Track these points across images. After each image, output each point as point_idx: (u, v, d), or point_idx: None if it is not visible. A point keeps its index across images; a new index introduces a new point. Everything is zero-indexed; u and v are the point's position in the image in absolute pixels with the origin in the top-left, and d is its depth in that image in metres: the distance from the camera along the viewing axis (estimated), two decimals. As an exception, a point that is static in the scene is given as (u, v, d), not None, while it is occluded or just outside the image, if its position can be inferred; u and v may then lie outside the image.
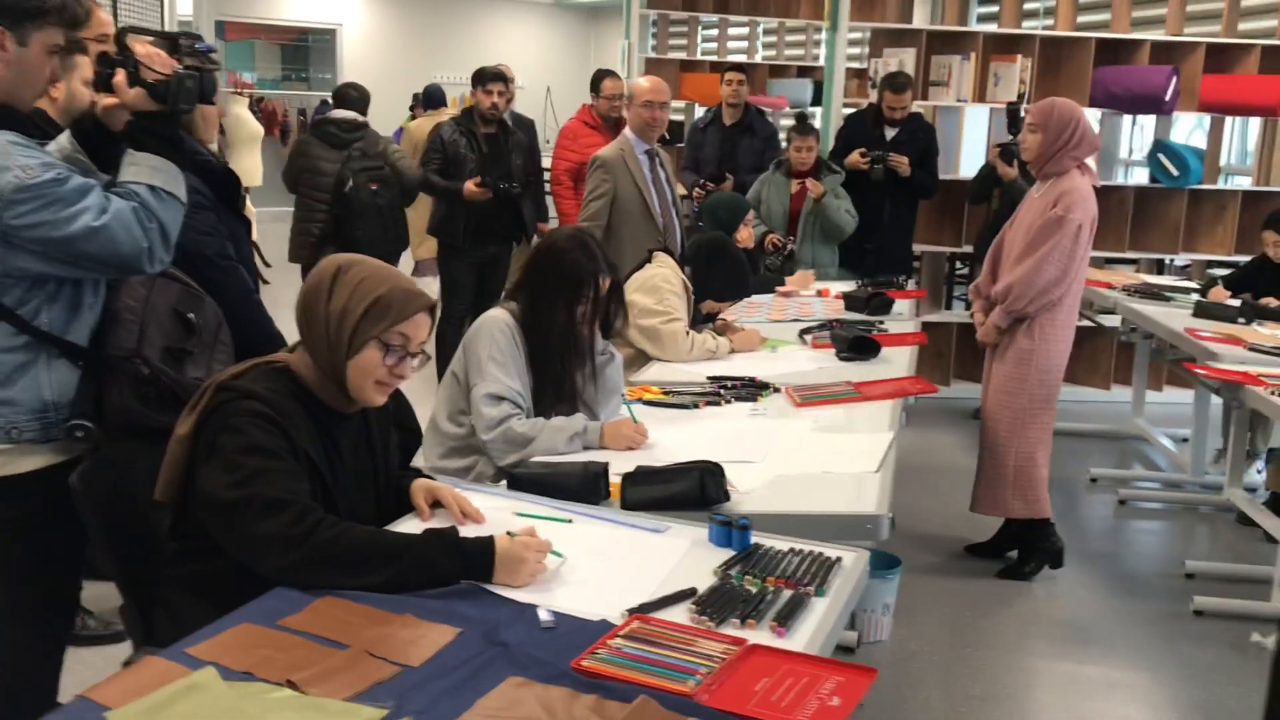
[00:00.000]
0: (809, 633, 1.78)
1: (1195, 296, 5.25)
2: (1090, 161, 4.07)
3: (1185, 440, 5.74)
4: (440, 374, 3.14)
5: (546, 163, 6.78)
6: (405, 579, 1.84)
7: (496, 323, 2.78)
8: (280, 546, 1.83)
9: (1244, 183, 7.05)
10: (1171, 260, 7.02)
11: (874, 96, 6.53)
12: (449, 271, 5.87)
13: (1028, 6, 7.02)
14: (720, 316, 4.11)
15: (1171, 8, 6.56)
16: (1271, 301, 4.85)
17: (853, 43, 7.24)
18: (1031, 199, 4.07)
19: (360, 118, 5.49)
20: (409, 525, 2.11)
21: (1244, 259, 6.32)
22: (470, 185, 5.48)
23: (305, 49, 15.05)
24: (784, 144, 6.20)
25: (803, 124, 5.96)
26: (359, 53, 14.45)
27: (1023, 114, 5.86)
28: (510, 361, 2.73)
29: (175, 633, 1.73)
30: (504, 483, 2.42)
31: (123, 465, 2.17)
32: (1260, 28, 7.00)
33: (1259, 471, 5.12)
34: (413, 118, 9.95)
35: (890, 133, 5.96)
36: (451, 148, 5.65)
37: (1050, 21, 7.29)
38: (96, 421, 2.17)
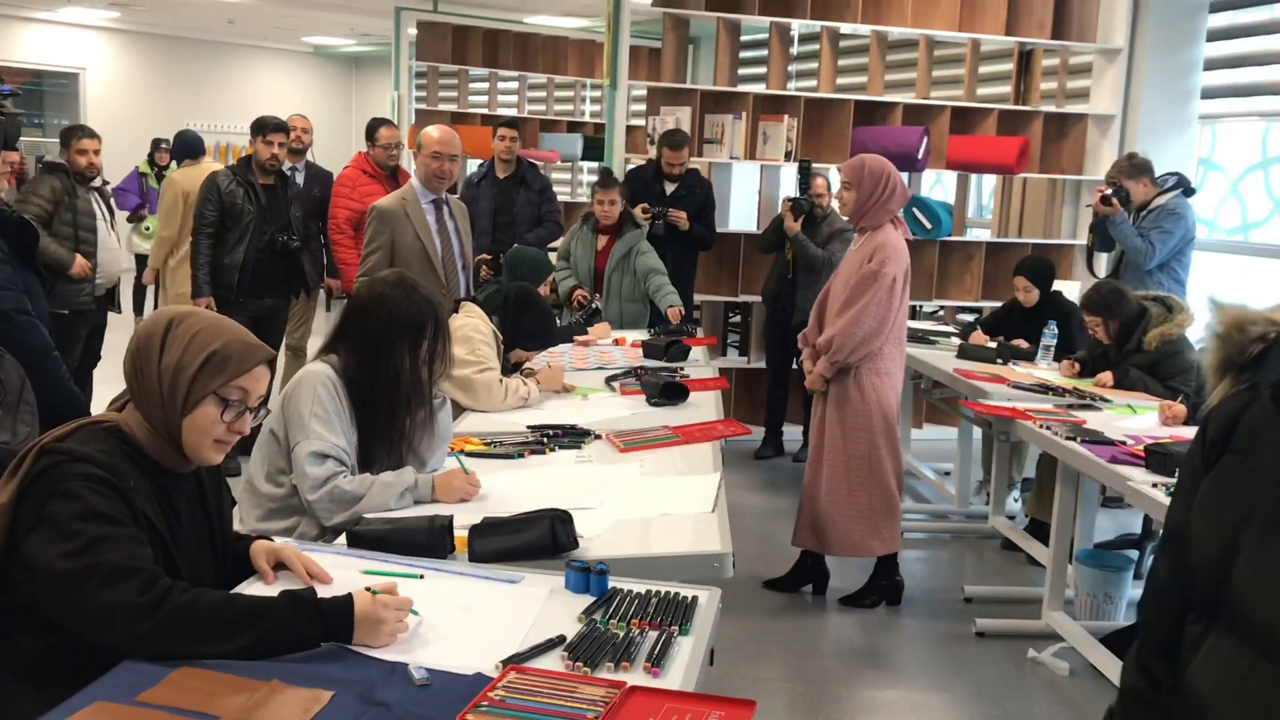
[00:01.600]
0: (682, 670, 1.82)
1: (955, 340, 5.66)
2: None
3: (948, 473, 6.16)
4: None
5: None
6: (265, 644, 1.76)
7: (318, 377, 2.70)
8: (130, 616, 1.72)
9: (984, 234, 7.67)
10: (921, 306, 7.56)
11: (653, 153, 6.77)
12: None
13: (791, 68, 7.42)
14: (526, 365, 4.13)
15: (920, 73, 7.10)
16: (1022, 343, 5.29)
17: (631, 100, 7.44)
18: (850, 252, 4.27)
19: None
20: (254, 589, 2.02)
21: (988, 304, 6.89)
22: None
23: (39, 94, 14.11)
24: (558, 198, 6.36)
25: (606, 177, 5.98)
26: (104, 97, 13.69)
27: (813, 171, 6.27)
28: (334, 418, 2.66)
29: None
30: (342, 539, 2.36)
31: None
32: (996, 93, 7.67)
33: (1015, 500, 5.56)
34: (153, 164, 9.45)
35: (670, 187, 6.17)
36: (229, 198, 5.45)
37: (813, 83, 7.74)
38: None
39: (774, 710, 3.54)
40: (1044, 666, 3.94)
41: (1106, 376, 4.64)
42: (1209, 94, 6.72)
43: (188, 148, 6.79)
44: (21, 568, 1.80)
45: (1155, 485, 3.19)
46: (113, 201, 5.90)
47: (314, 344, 6.14)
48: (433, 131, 4.51)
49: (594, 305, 5.53)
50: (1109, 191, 5.46)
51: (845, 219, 6.31)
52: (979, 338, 5.52)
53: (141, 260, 9.45)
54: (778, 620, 4.28)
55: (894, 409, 4.26)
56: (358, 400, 2.71)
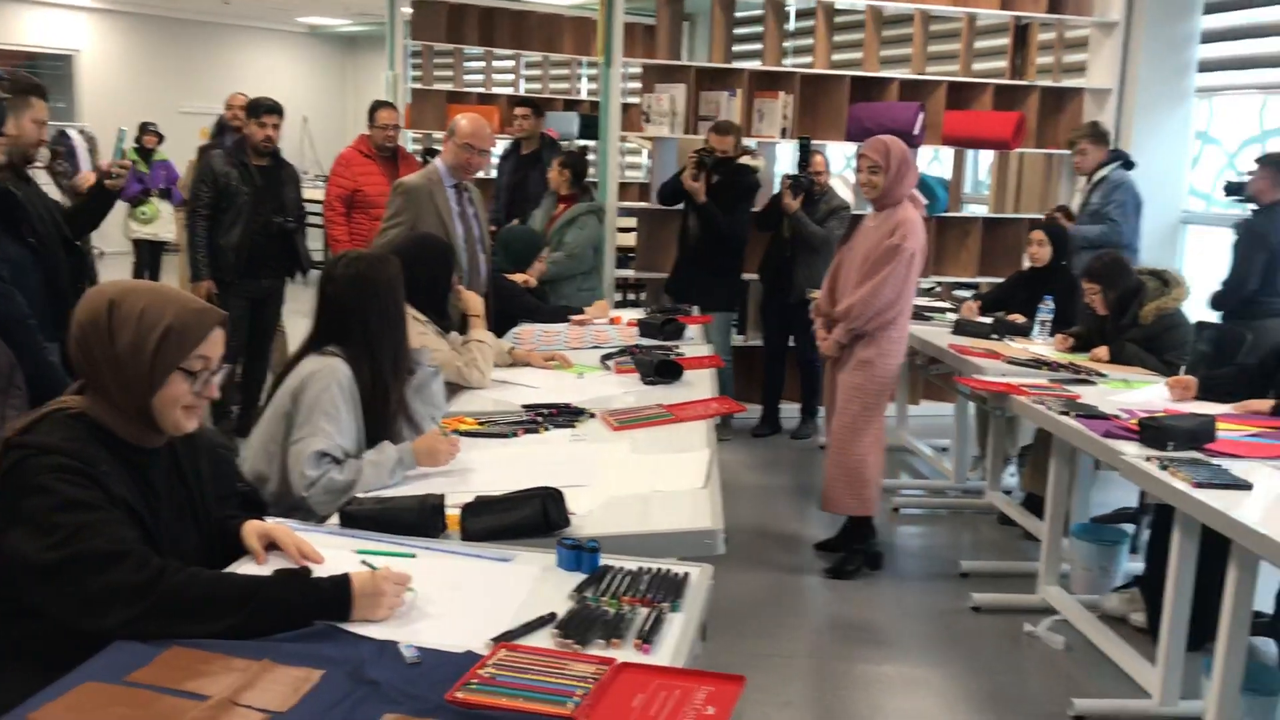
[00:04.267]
0: (672, 647, 1.82)
1: (950, 315, 5.66)
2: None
3: (945, 449, 6.17)
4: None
5: (308, 194, 6.63)
6: (258, 623, 1.77)
7: (335, 375, 2.69)
8: (125, 598, 1.72)
9: (981, 210, 7.65)
10: (919, 283, 7.53)
11: (648, 130, 6.77)
12: (222, 307, 5.61)
13: (786, 44, 7.39)
14: (514, 347, 4.12)
15: (915, 48, 7.07)
16: (1019, 318, 5.28)
17: (626, 78, 7.41)
18: (867, 227, 4.38)
19: None
20: (246, 570, 2.02)
21: (985, 280, 6.88)
22: None
23: (35, 75, 14.04)
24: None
25: (566, 154, 6.34)
26: (99, 80, 13.64)
27: (812, 149, 6.30)
28: (344, 416, 2.66)
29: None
30: (334, 520, 2.36)
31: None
32: (992, 68, 7.64)
33: (1011, 475, 5.57)
34: (140, 148, 9.17)
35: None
36: (224, 180, 5.45)
37: (809, 59, 7.71)
38: None
39: (768, 685, 3.55)
40: (1039, 640, 3.95)
41: (1102, 351, 4.65)
42: (1206, 67, 6.69)
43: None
44: (3, 566, 1.77)
45: (1149, 459, 3.19)
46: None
47: (290, 322, 6.18)
48: (464, 122, 4.40)
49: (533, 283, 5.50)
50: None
51: (844, 198, 6.35)
52: (969, 309, 5.53)
53: (139, 245, 9.43)
54: (773, 596, 4.29)
55: (895, 378, 4.47)
56: (365, 390, 2.73)
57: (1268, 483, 3.01)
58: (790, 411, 6.69)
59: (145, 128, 9.27)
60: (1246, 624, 3.06)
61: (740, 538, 4.74)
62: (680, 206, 6.24)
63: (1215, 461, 3.16)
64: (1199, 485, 2.95)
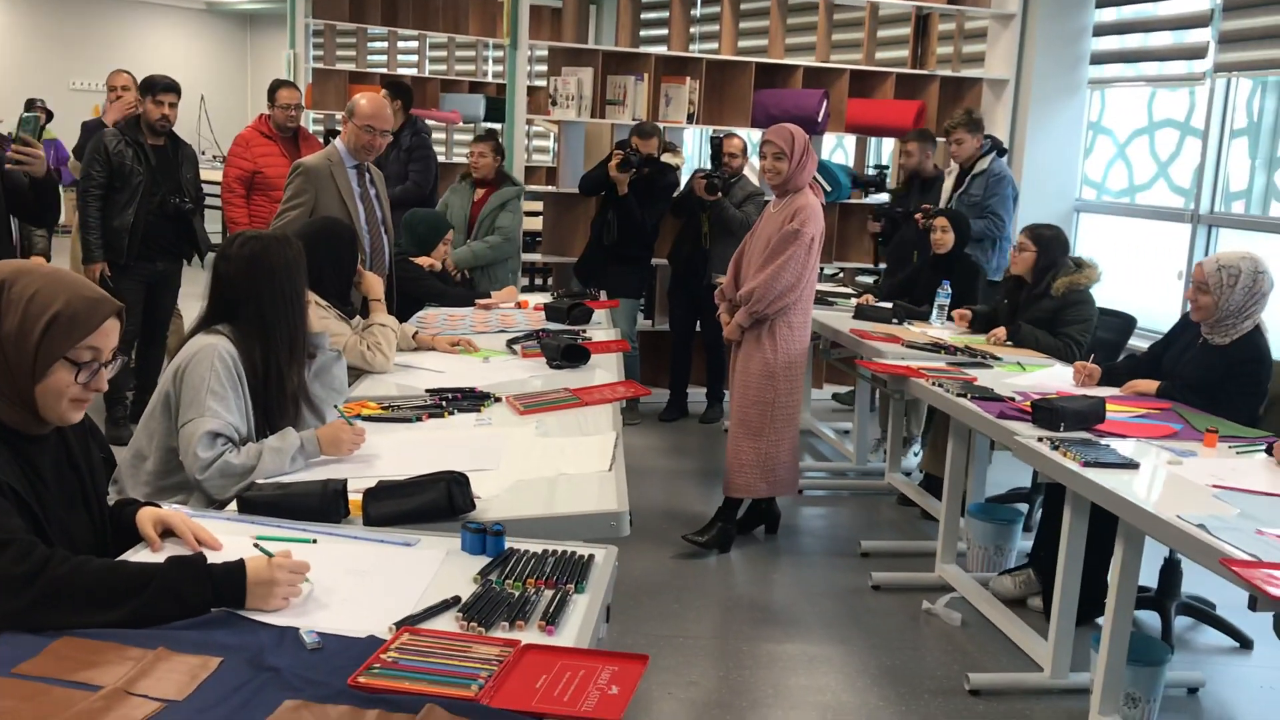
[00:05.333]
0: (576, 628, 1.83)
1: (854, 301, 5.75)
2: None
3: (847, 432, 6.28)
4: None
5: (206, 175, 6.46)
6: (151, 611, 1.73)
7: (216, 352, 2.62)
8: (8, 588, 1.67)
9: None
10: (821, 269, 7.63)
11: (555, 113, 6.75)
12: (116, 290, 5.47)
13: (693, 30, 7.42)
14: (419, 331, 4.09)
15: (820, 36, 7.15)
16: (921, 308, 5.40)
17: (532, 60, 7.37)
18: (769, 213, 4.48)
19: None
20: (141, 557, 1.98)
21: (886, 267, 6.99)
22: None
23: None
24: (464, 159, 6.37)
25: (485, 134, 6.30)
26: (-16, 54, 13.11)
27: (727, 134, 6.40)
28: (231, 394, 2.60)
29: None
30: (233, 506, 2.32)
31: None
32: (894, 57, 7.77)
33: (915, 454, 5.70)
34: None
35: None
36: (117, 159, 5.29)
37: (715, 45, 7.75)
38: None
39: (672, 666, 3.59)
40: (937, 617, 4.05)
41: (1000, 331, 4.78)
42: (1098, 59, 6.89)
43: None
44: None
45: (1041, 440, 3.29)
46: None
47: (187, 306, 6.03)
48: (363, 102, 4.33)
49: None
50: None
51: (756, 184, 6.42)
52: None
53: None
54: (677, 577, 4.33)
55: (800, 361, 4.52)
56: (253, 369, 2.67)
57: (1153, 462, 3.12)
58: (697, 396, 6.74)
59: (32, 105, 8.94)
60: (1133, 598, 3.18)
61: (646, 520, 4.78)
62: (601, 194, 6.26)
63: (1104, 442, 3.27)
64: (1088, 464, 3.05)
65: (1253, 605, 2.27)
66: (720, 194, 6.14)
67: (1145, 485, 2.94)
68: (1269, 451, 3.23)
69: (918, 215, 5.92)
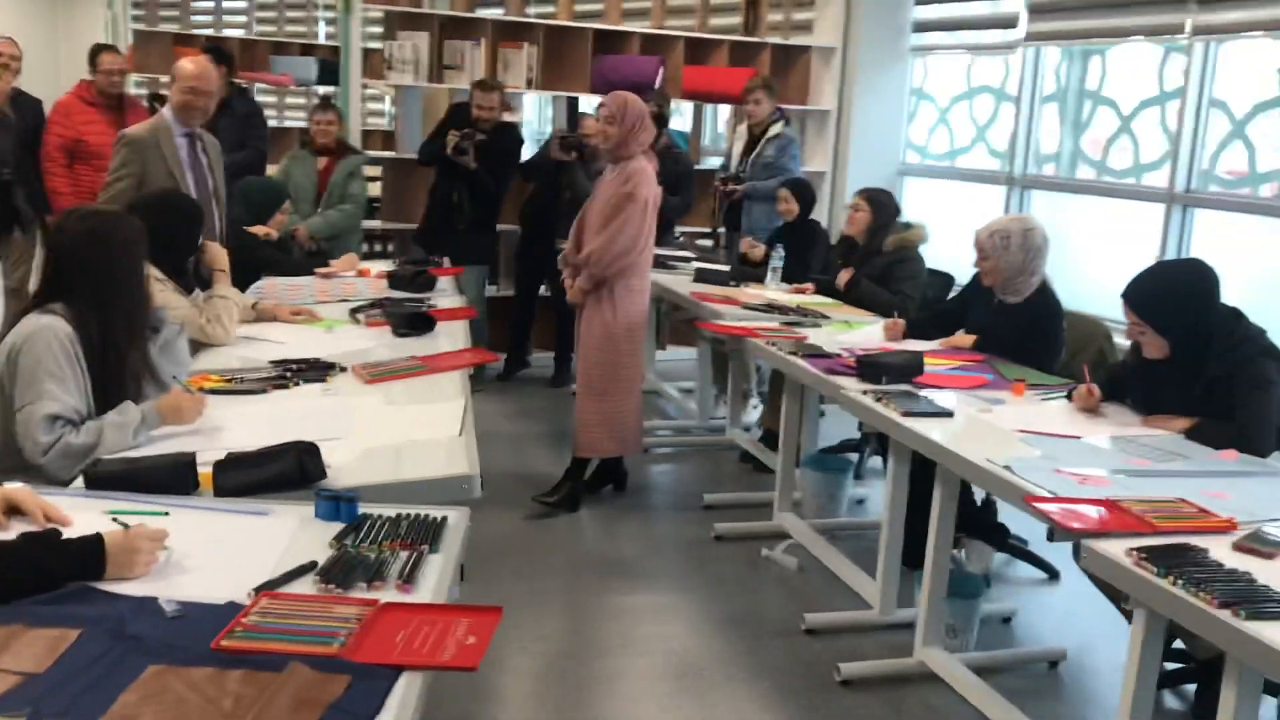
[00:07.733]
0: (432, 587, 1.91)
1: (694, 265, 5.92)
2: None
3: (690, 391, 6.48)
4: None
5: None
6: (5, 588, 1.74)
7: (52, 332, 2.57)
8: None
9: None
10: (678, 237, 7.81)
11: (391, 77, 6.68)
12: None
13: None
14: (258, 302, 4.05)
15: (655, 3, 7.27)
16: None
17: (366, 23, 7.25)
18: (605, 180, 4.59)
19: None
20: (-12, 536, 1.97)
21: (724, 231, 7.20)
22: None
23: None
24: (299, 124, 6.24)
25: (325, 101, 6.28)
26: None
27: (580, 114, 6.48)
28: (69, 375, 2.56)
29: None
30: (79, 482, 2.31)
31: None
32: (728, 24, 7.94)
33: (755, 407, 5.93)
34: None
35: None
36: (-73, 128, 5.03)
37: (552, 9, 7.78)
38: None
39: (524, 623, 3.70)
40: (775, 563, 4.28)
41: (845, 274, 5.07)
42: (920, 28, 7.20)
43: None
44: None
45: (865, 393, 3.51)
46: None
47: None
48: (187, 65, 4.25)
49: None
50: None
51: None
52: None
53: None
54: (529, 537, 4.44)
55: (641, 323, 4.67)
56: (90, 348, 2.63)
57: (966, 410, 3.37)
58: (544, 360, 6.83)
59: None
60: (950, 537, 3.44)
61: (497, 483, 4.86)
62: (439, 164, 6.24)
63: (923, 393, 3.51)
64: (907, 414, 3.27)
65: (1050, 537, 2.50)
66: (577, 154, 6.20)
67: (959, 432, 3.17)
68: (1069, 397, 3.51)
69: (717, 184, 6.42)
